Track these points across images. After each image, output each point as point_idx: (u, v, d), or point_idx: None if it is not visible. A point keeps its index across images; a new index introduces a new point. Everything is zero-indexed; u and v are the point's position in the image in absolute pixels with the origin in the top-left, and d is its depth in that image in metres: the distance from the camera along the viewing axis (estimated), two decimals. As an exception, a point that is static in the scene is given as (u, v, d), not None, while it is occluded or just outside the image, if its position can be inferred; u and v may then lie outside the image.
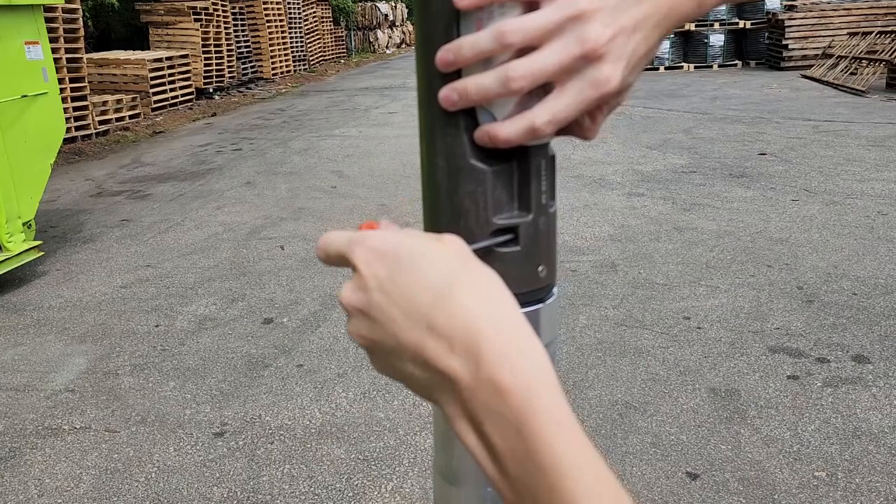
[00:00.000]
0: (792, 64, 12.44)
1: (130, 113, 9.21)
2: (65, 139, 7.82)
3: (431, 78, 0.53)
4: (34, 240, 4.36)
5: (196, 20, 11.30)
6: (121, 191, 6.41)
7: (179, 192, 6.26)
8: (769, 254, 4.20)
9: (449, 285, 0.45)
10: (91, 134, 8.46)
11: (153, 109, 9.94)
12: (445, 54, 0.50)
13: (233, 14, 12.61)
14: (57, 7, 7.40)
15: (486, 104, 0.52)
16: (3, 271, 4.08)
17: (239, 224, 5.24)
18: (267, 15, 13.65)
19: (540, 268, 0.55)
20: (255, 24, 13.66)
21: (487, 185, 0.52)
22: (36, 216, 4.45)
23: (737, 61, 13.73)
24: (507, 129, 0.50)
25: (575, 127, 0.57)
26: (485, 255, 0.54)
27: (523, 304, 0.54)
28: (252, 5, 13.50)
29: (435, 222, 0.57)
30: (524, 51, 0.50)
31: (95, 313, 3.82)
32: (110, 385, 3.10)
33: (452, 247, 0.48)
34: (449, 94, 0.51)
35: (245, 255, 4.58)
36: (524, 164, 0.53)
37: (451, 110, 0.52)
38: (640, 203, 5.28)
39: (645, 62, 0.53)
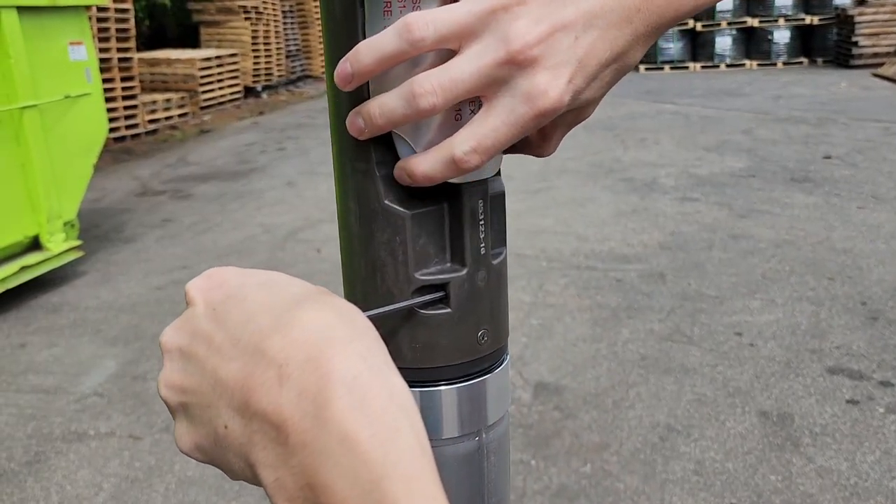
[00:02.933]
0: (862, 62, 11.92)
1: (179, 112, 9.35)
2: (115, 138, 8.01)
3: (340, 100, 0.41)
4: (77, 239, 4.39)
5: (246, 18, 11.44)
6: (164, 190, 6.48)
7: (221, 191, 6.29)
8: (831, 265, 3.96)
9: (296, 304, 0.33)
10: (140, 133, 8.60)
11: (202, 108, 10.08)
12: (343, 66, 0.38)
13: (283, 12, 12.73)
14: (109, 7, 7.54)
15: (399, 130, 0.40)
16: (44, 271, 4.12)
17: (277, 225, 5.21)
18: (317, 13, 13.71)
19: (480, 332, 0.43)
20: (305, 21, 13.77)
21: (407, 232, 0.41)
22: (80, 215, 4.50)
23: (803, 59, 13.23)
24: (423, 162, 0.38)
25: (523, 145, 0.45)
26: (407, 317, 0.42)
27: (459, 378, 0.43)
28: (302, 3, 13.61)
29: (350, 278, 0.45)
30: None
31: (130, 315, 3.82)
32: (138, 390, 3.08)
33: (331, 298, 0.36)
34: (354, 120, 0.39)
35: (281, 258, 4.54)
36: (456, 207, 0.42)
37: (361, 139, 0.40)
38: (694, 208, 5.06)
39: (614, 69, 0.39)
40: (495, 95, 0.37)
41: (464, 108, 0.40)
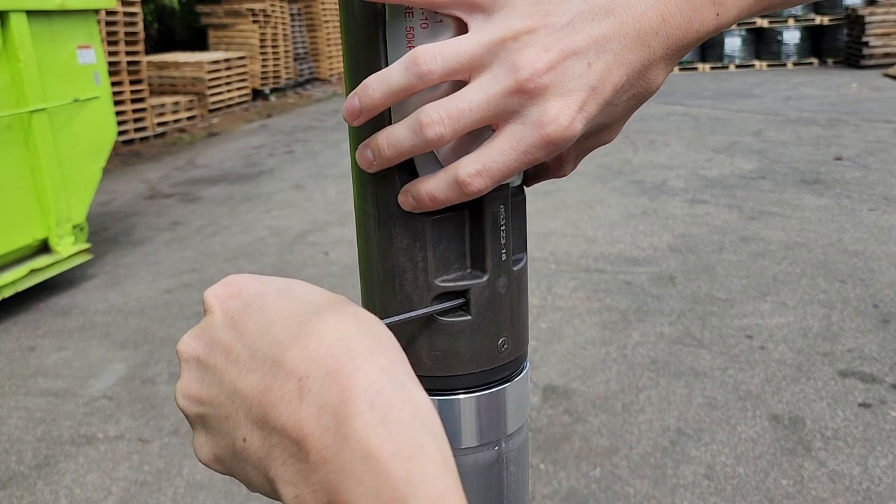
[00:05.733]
0: (873, 62, 11.86)
1: (187, 114, 9.38)
2: (124, 141, 8.05)
3: None
4: (85, 242, 4.41)
5: (254, 21, 11.47)
6: (173, 193, 6.50)
7: (230, 194, 6.30)
8: (843, 268, 3.93)
9: (315, 314, 0.32)
10: (149, 136, 8.64)
11: (210, 111, 10.11)
12: (351, 101, 0.38)
13: (290, 15, 12.77)
14: (117, 10, 7.57)
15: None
16: (53, 274, 4.13)
17: (286, 228, 5.21)
18: (324, 15, 13.77)
19: (500, 340, 0.43)
20: (313, 24, 13.80)
21: (427, 238, 0.40)
22: (89, 218, 4.51)
23: (813, 59, 13.18)
24: (429, 184, 0.38)
25: (540, 170, 0.45)
26: (426, 325, 0.41)
27: (478, 386, 0.43)
28: (310, 6, 13.64)
29: (368, 284, 0.45)
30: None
31: (139, 318, 3.82)
32: (146, 393, 3.08)
33: (351, 307, 0.35)
34: (363, 153, 0.39)
35: (289, 261, 4.54)
36: (477, 212, 0.41)
37: (371, 171, 0.40)
38: (704, 210, 5.04)
39: (632, 95, 0.38)
40: (506, 123, 0.37)
41: (485, 128, 0.40)
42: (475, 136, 0.39)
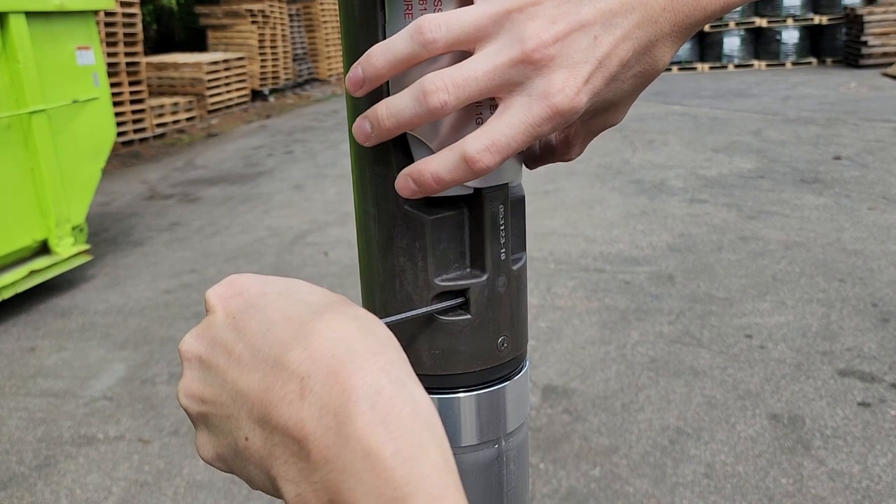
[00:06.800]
0: (872, 62, 11.86)
1: (186, 115, 9.37)
2: (123, 142, 8.04)
3: (359, 102, 0.41)
4: (86, 243, 4.41)
5: (253, 22, 11.47)
6: (172, 194, 6.49)
7: (229, 195, 6.30)
8: (842, 267, 3.94)
9: (316, 314, 0.32)
10: (148, 137, 8.63)
11: (209, 111, 10.10)
12: (354, 70, 0.37)
13: (289, 16, 12.76)
14: (116, 11, 7.56)
15: (417, 132, 0.39)
16: (53, 275, 4.13)
17: (285, 228, 5.21)
18: (323, 16, 13.76)
19: (500, 339, 0.43)
20: (312, 25, 13.79)
21: (427, 237, 0.40)
22: (88, 219, 4.51)
23: (811, 59, 13.17)
24: (433, 163, 0.37)
25: (547, 152, 0.45)
26: (426, 324, 0.42)
27: (478, 385, 0.43)
28: (309, 7, 13.64)
29: (368, 284, 0.45)
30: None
31: (138, 319, 3.82)
32: (146, 394, 3.08)
33: (349, 306, 0.35)
34: (361, 124, 0.38)
35: (289, 261, 4.54)
36: (476, 211, 0.41)
37: (368, 146, 0.39)
38: (703, 210, 5.04)
39: (639, 72, 0.38)
40: (511, 95, 0.36)
41: (485, 111, 0.39)
42: (469, 118, 0.39)
